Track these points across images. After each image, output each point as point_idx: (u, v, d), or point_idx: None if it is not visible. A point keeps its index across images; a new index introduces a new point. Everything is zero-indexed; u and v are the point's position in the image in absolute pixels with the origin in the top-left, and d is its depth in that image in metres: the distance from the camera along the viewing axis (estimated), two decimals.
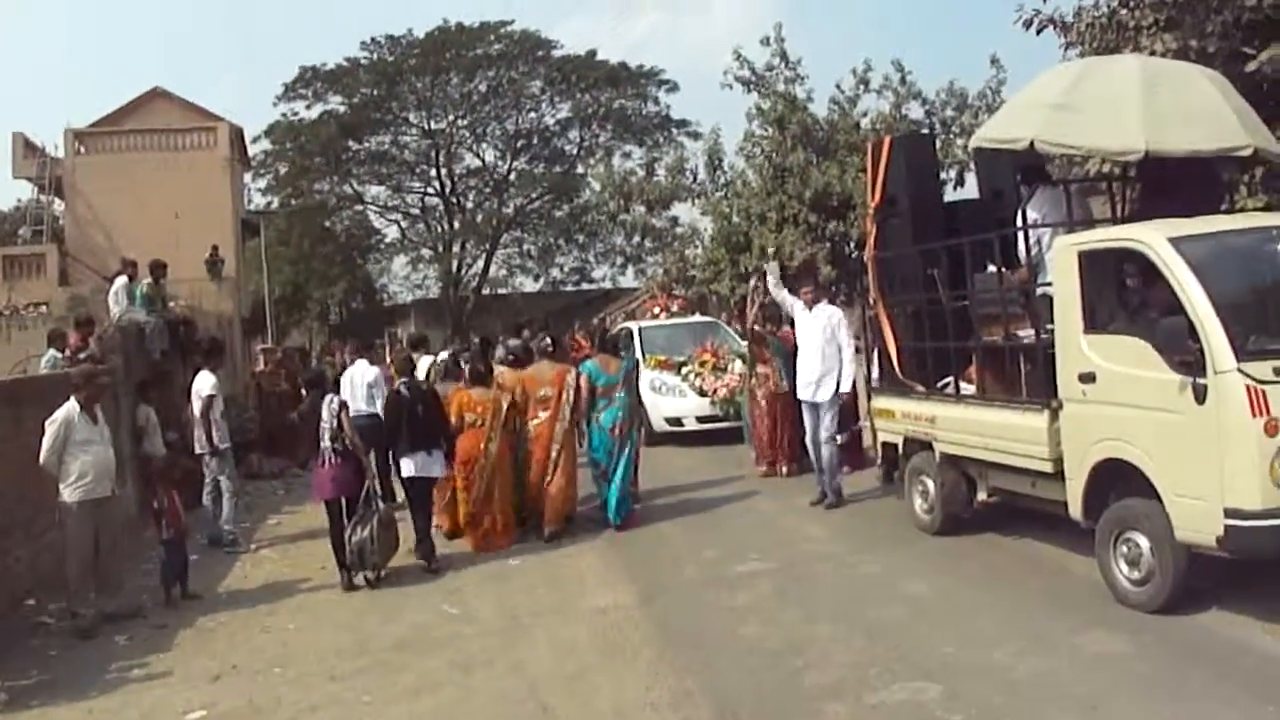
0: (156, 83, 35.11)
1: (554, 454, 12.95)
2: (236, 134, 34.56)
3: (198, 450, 13.74)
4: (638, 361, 17.45)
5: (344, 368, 16.30)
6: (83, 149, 32.20)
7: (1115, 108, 9.38)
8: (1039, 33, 16.10)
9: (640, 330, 22.12)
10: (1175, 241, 7.94)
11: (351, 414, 12.13)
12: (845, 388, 13.05)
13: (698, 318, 24.42)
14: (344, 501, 11.55)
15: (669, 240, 32.57)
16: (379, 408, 13.70)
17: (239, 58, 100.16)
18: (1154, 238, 8.08)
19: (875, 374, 12.96)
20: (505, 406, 12.80)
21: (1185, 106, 9.41)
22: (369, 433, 12.68)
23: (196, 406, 13.69)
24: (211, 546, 13.60)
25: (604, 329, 18.58)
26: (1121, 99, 9.40)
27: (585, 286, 55.39)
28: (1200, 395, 7.47)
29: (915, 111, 27.42)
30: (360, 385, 14.55)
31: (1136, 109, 9.25)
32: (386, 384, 14.27)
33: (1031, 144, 9.57)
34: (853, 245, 25.46)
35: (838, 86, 27.62)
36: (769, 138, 27.13)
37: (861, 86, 27.48)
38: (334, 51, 53.11)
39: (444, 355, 16.97)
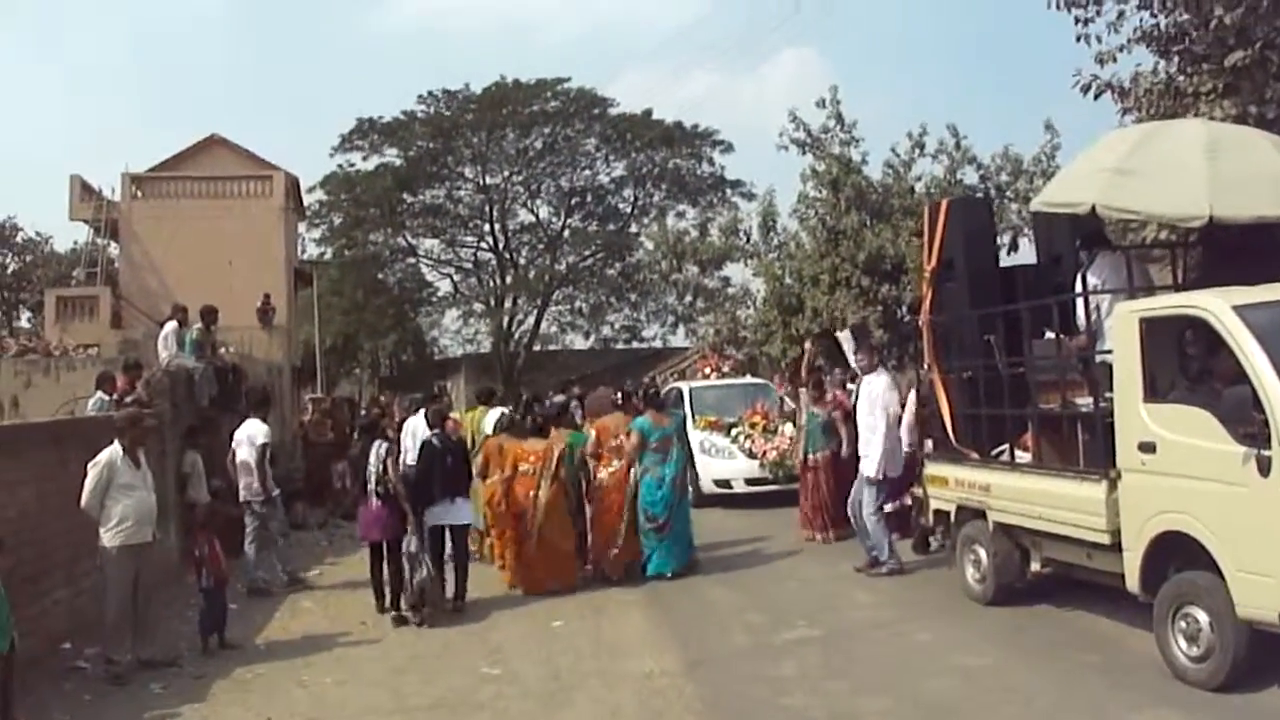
0: (216, 129, 35.55)
1: (628, 500, 13.51)
2: (292, 183, 34.79)
3: (246, 497, 14.05)
4: (685, 417, 17.37)
5: (391, 417, 16.75)
6: (139, 193, 32.46)
7: (1178, 173, 9.23)
8: (1096, 98, 15.96)
9: (690, 390, 22.04)
10: (1240, 309, 7.75)
11: (413, 462, 13.18)
12: (870, 471, 12.95)
13: (748, 379, 24.35)
14: (385, 544, 12.43)
15: (720, 301, 32.45)
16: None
17: (297, 107, 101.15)
18: (1218, 305, 7.89)
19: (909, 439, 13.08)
20: (556, 456, 13.30)
21: (1250, 172, 9.24)
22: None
23: (248, 454, 13.98)
24: (251, 596, 13.64)
25: (651, 387, 18.53)
26: (1185, 164, 9.26)
27: (636, 345, 55.10)
28: (1265, 468, 7.24)
29: (970, 176, 27.24)
30: (421, 436, 14.00)
31: (1200, 174, 9.09)
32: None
33: (1093, 208, 9.43)
34: (905, 309, 25.27)
35: (893, 150, 27.51)
36: (823, 200, 27.02)
37: (916, 150, 27.34)
38: (391, 105, 53.50)
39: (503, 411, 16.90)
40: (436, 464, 12.57)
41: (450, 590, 12.60)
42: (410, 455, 13.70)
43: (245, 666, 10.47)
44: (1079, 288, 9.92)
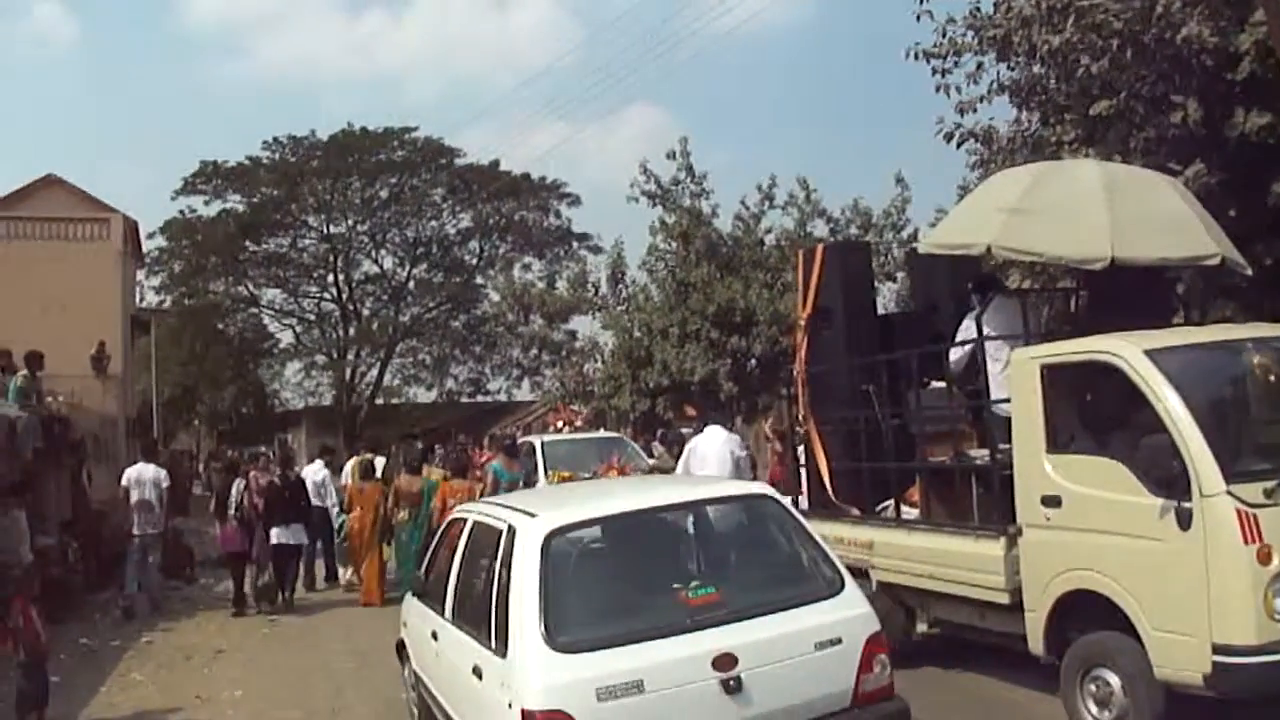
0: (53, 169, 34.07)
1: None
2: (131, 227, 33.48)
3: (145, 530, 16.21)
4: (536, 466, 17.88)
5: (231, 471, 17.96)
6: None
7: (1078, 213, 8.96)
8: (959, 146, 15.86)
9: (543, 444, 21.39)
10: (1152, 354, 7.40)
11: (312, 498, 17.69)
12: None
13: (602, 433, 23.81)
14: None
15: (566, 354, 31.98)
16: (326, 502, 18.34)
17: (141, 153, 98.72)
18: (1129, 350, 7.52)
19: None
20: (479, 494, 14.51)
21: (1150, 213, 9.03)
22: (316, 518, 17.67)
23: (150, 493, 16.23)
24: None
25: (508, 437, 20.23)
26: (1084, 204, 8.99)
27: (480, 398, 54.40)
28: (1184, 520, 6.89)
29: (820, 229, 27.17)
30: (310, 482, 18.18)
31: (1100, 215, 8.82)
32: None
33: (988, 250, 9.09)
34: (755, 362, 25.15)
35: (743, 202, 27.41)
36: (673, 252, 26.81)
37: (766, 202, 27.27)
38: (239, 152, 51.85)
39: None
40: (278, 498, 16.40)
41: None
42: (310, 493, 17.68)
43: None
44: (974, 333, 9.58)
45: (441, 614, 7.83)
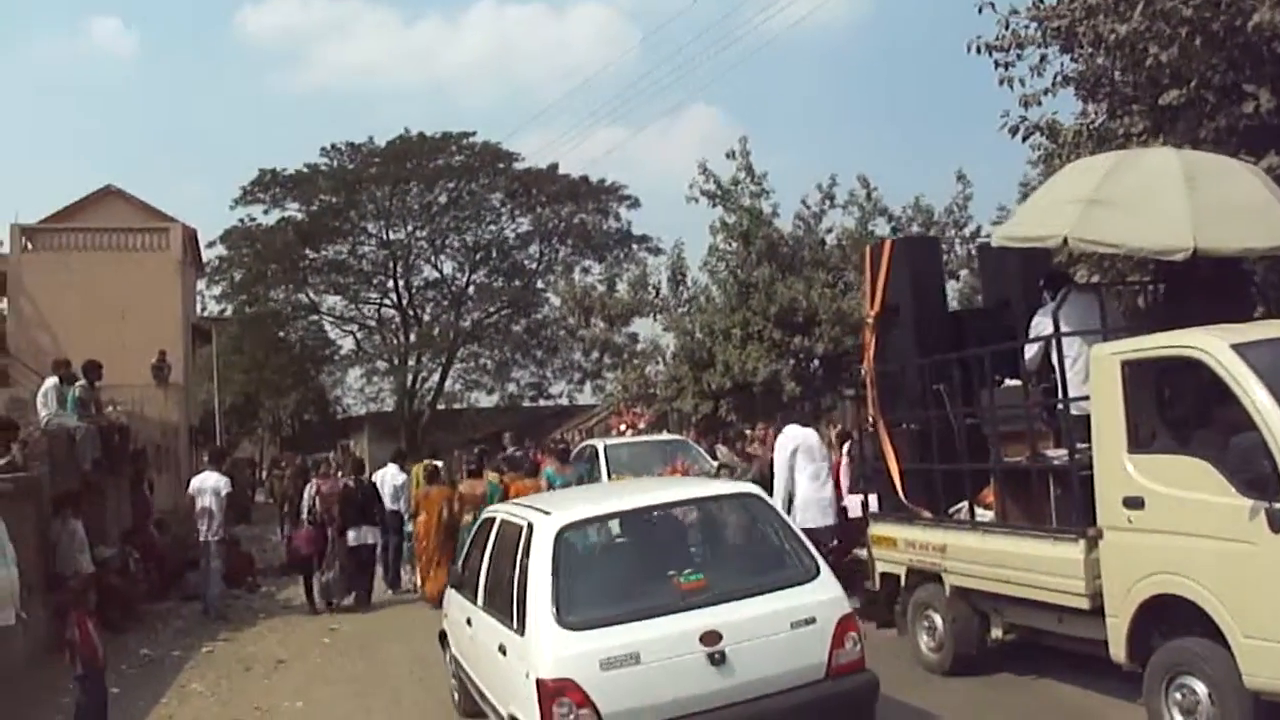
0: (112, 181, 34.34)
1: None
2: (190, 236, 33.65)
3: (208, 538, 16.61)
4: (590, 470, 18.21)
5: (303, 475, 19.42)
6: (30, 245, 31.03)
7: (1157, 202, 8.65)
8: (1025, 140, 15.56)
9: (605, 448, 21.17)
10: (1239, 348, 7.08)
11: (388, 502, 18.81)
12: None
13: (665, 435, 23.54)
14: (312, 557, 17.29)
15: (627, 357, 31.76)
16: (400, 505, 19.08)
17: (199, 164, 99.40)
18: (1215, 345, 7.20)
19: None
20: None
21: (1232, 202, 8.71)
22: (390, 520, 18.68)
23: (211, 501, 16.54)
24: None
25: (561, 442, 21.31)
26: (1163, 193, 8.68)
27: (542, 402, 54.20)
28: (1276, 522, 6.56)
29: (881, 227, 26.90)
30: (388, 485, 19.22)
31: (1181, 204, 8.51)
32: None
33: (1064, 241, 8.80)
34: (818, 362, 24.90)
35: (803, 202, 27.17)
36: (733, 252, 26.54)
37: (827, 201, 27.01)
38: (298, 160, 51.62)
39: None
40: (352, 501, 17.38)
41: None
42: (386, 497, 18.77)
43: None
44: (1038, 330, 9.30)
45: (474, 602, 8.97)
